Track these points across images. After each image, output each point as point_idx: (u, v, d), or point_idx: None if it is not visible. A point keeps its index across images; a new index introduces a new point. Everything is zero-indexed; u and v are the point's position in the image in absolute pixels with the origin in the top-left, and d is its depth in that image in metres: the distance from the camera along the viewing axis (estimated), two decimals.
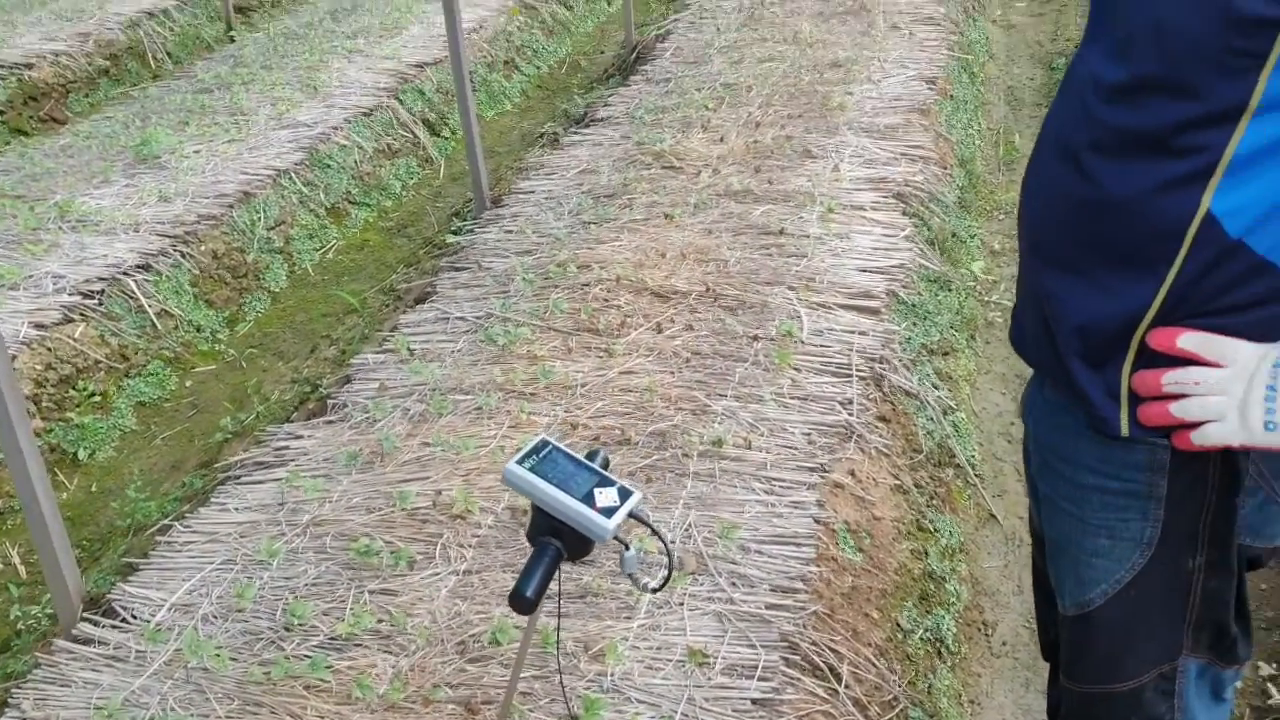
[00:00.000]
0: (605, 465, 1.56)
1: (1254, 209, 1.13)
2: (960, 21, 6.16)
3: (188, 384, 3.86)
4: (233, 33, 7.18)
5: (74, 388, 3.60)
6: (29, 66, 6.52)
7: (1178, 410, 1.19)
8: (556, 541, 1.45)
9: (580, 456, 1.53)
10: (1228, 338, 1.17)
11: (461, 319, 3.42)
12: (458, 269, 3.82)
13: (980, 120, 5.27)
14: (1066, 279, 1.27)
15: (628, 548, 1.50)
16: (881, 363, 3.07)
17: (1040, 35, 6.54)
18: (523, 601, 1.39)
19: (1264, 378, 1.14)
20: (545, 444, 1.53)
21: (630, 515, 1.46)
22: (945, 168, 4.46)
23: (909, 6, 6.17)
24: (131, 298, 3.94)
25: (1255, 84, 1.07)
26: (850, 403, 2.89)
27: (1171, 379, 1.19)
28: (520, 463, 1.48)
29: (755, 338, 3.13)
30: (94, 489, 3.36)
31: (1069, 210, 1.25)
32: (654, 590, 1.62)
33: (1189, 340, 1.18)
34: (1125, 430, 1.26)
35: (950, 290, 3.72)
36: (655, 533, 1.52)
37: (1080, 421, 1.31)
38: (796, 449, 2.71)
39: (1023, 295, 1.40)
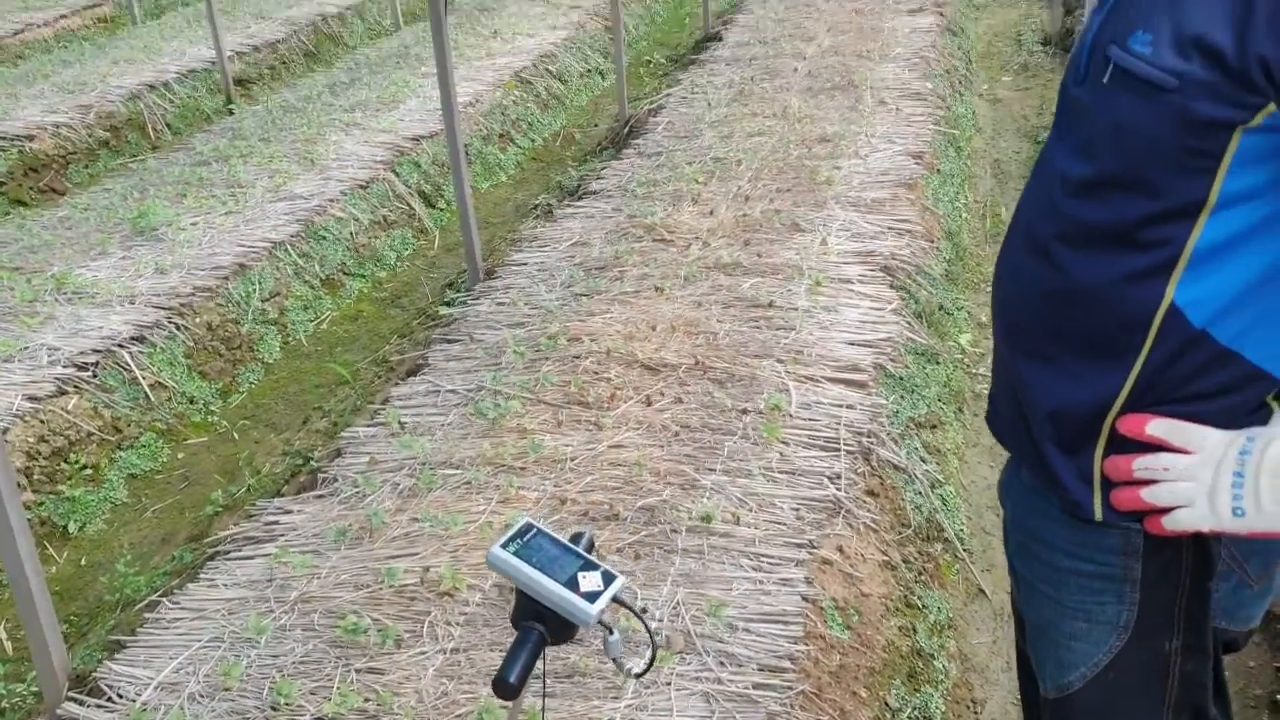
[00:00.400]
0: (590, 547, 1.57)
1: (1216, 300, 1.17)
2: (947, 96, 6.28)
3: (179, 456, 3.87)
4: (232, 105, 7.30)
5: (66, 460, 3.61)
6: (30, 138, 6.63)
7: (1148, 496, 1.21)
8: (540, 626, 1.46)
9: (564, 539, 1.54)
10: (1196, 425, 1.20)
11: (453, 391, 3.44)
12: (450, 341, 3.85)
13: (967, 193, 5.35)
14: (1039, 366, 1.31)
15: (611, 632, 1.51)
16: (869, 436, 3.10)
17: (1026, 109, 6.66)
18: (505, 687, 1.39)
19: (1231, 464, 1.16)
20: (529, 527, 1.54)
21: (614, 600, 1.47)
22: (932, 240, 4.52)
23: (896, 82, 6.29)
24: (125, 370, 3.97)
25: (1212, 182, 1.12)
26: (838, 477, 2.90)
27: (1141, 465, 1.22)
28: (504, 546, 1.49)
29: (744, 411, 3.16)
30: (84, 562, 3.36)
31: (1039, 299, 1.30)
32: (638, 676, 1.62)
33: (1157, 427, 1.21)
34: (1098, 514, 1.28)
35: (938, 363, 3.75)
36: (639, 617, 1.53)
37: (1055, 505, 1.34)
38: (785, 524, 2.72)
39: (998, 381, 1.44)
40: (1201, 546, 1.28)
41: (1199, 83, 1.07)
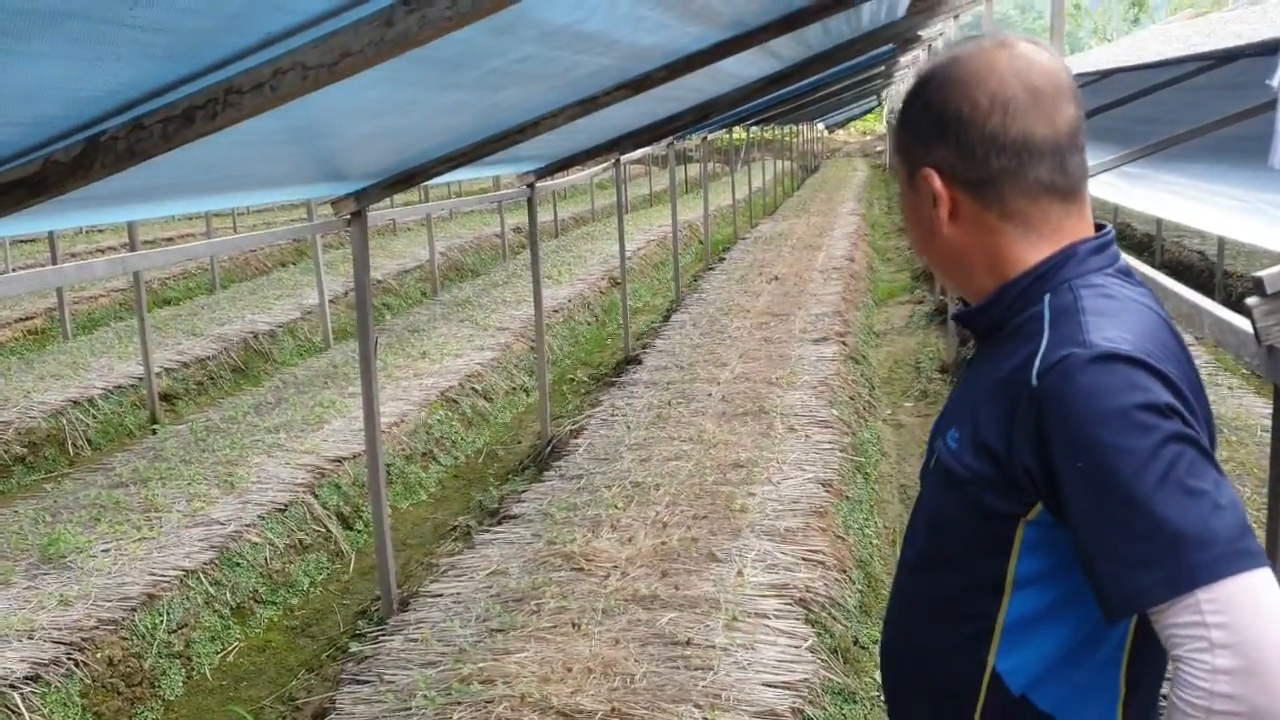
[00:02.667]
0: None
1: (1031, 668, 1.30)
2: (852, 422, 6.61)
3: None
4: (156, 424, 7.35)
5: None
6: None
7: None
8: None
9: None
10: None
11: None
12: (359, 682, 3.76)
13: (876, 519, 5.53)
14: None
15: None
16: None
17: (928, 434, 7.01)
18: None
19: None
20: None
21: None
22: (844, 571, 4.63)
23: (804, 409, 6.62)
24: (14, 712, 3.77)
25: (1007, 564, 1.28)
26: None
27: None
28: None
29: None
30: None
31: (899, 664, 1.47)
32: None
33: None
34: None
35: (855, 701, 3.76)
36: None
37: None
38: None
39: None
40: None
41: (985, 478, 1.26)
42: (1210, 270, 11.36)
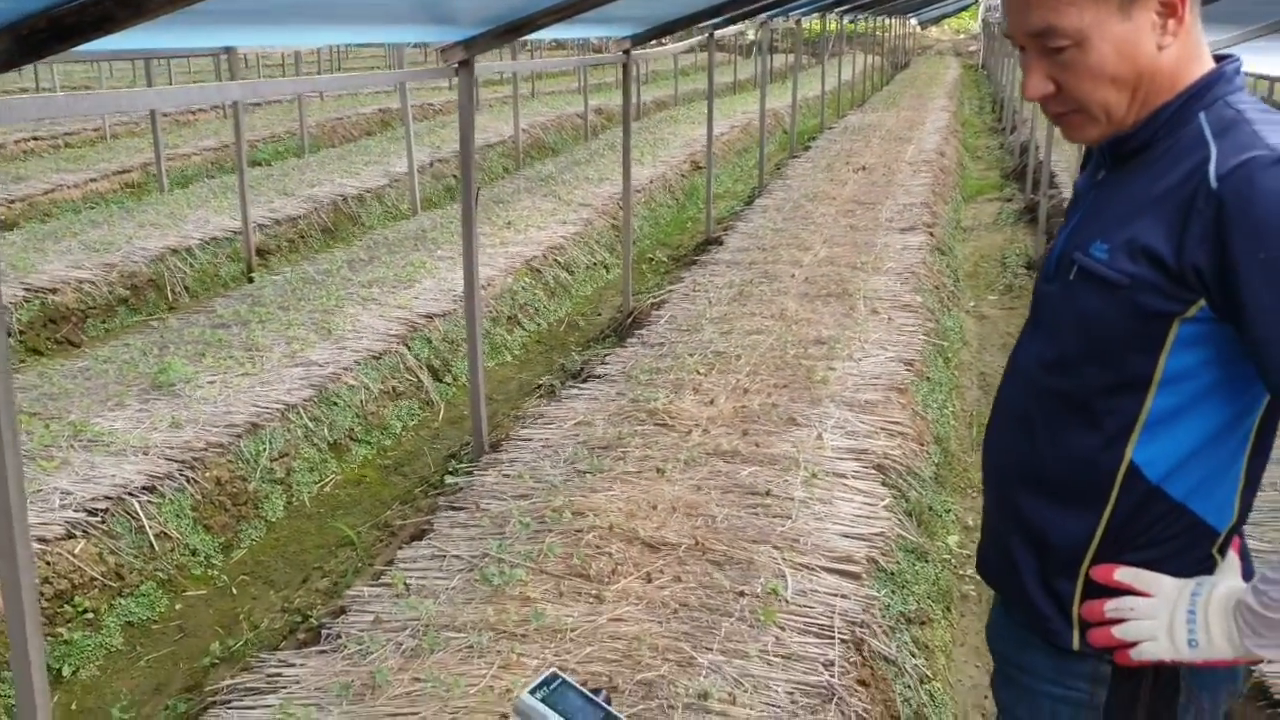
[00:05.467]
0: (609, 701, 1.66)
1: (1168, 459, 1.39)
2: (936, 310, 6.61)
3: (177, 607, 3.91)
4: (252, 274, 7.59)
5: (68, 603, 3.64)
6: (53, 291, 6.87)
7: (1118, 632, 1.41)
8: None
9: (588, 692, 1.63)
10: (1153, 572, 1.40)
11: (457, 557, 3.53)
12: (455, 508, 3.96)
13: (954, 402, 5.58)
14: (1023, 519, 1.52)
15: None
16: (862, 627, 3.18)
17: (1011, 328, 6.99)
18: None
19: (1185, 604, 1.37)
20: (555, 677, 1.63)
21: None
22: (922, 444, 4.71)
23: (888, 294, 6.63)
24: (134, 518, 4.04)
25: (1157, 361, 1.36)
26: (832, 664, 2.98)
27: (1111, 606, 1.42)
28: (532, 693, 1.59)
29: (741, 593, 3.25)
30: (74, 707, 3.35)
31: (1020, 463, 1.53)
32: None
33: (1123, 574, 1.42)
34: (1076, 644, 1.48)
35: (927, 561, 3.87)
36: None
37: (1038, 636, 1.53)
38: (780, 707, 2.78)
39: (987, 533, 1.65)
40: (1160, 680, 1.44)
41: (1145, 282, 1.33)
42: None
